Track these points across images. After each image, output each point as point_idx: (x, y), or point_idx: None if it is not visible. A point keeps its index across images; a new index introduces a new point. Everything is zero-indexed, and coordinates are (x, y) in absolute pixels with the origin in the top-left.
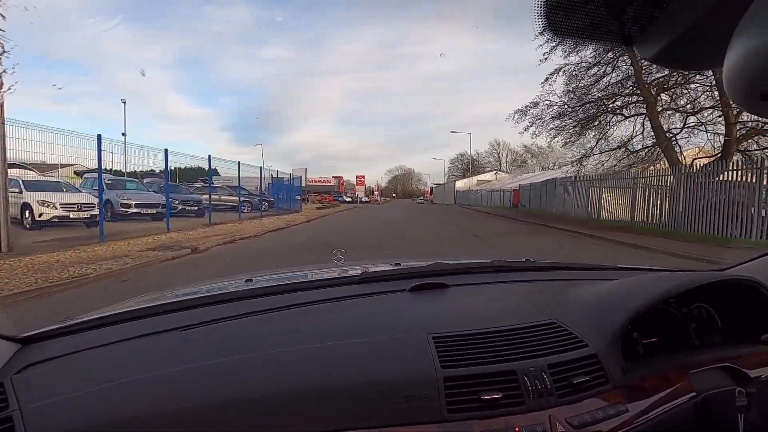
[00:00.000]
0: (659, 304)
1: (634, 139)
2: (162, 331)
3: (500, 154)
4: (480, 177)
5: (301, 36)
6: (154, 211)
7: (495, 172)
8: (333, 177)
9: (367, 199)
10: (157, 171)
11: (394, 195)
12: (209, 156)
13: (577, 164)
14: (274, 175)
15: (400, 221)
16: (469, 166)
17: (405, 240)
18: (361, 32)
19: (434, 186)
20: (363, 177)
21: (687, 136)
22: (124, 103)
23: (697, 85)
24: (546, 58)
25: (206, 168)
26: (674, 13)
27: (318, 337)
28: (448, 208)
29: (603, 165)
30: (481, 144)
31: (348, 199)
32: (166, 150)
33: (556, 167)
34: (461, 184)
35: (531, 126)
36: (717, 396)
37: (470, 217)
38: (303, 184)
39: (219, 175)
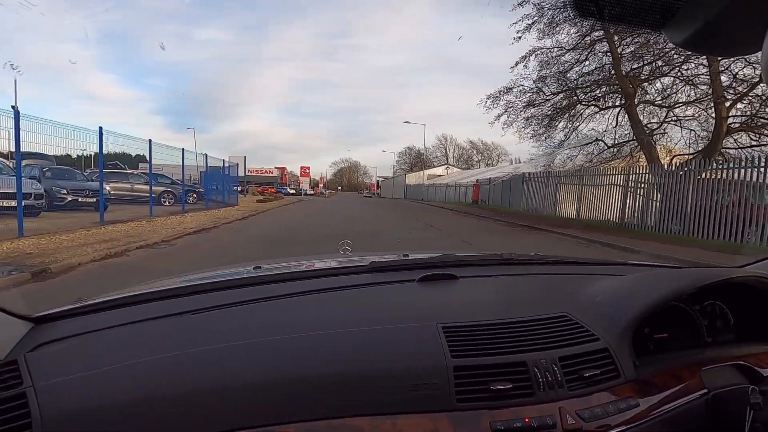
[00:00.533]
0: (671, 300)
1: (605, 135)
2: (172, 314)
3: (447, 149)
4: (431, 171)
5: (242, 19)
6: (15, 203)
7: (446, 166)
8: (276, 168)
9: (312, 192)
10: (46, 153)
11: (339, 188)
12: (100, 129)
13: (546, 159)
14: (208, 163)
15: (357, 218)
16: (417, 160)
17: (377, 241)
18: (305, 20)
19: (381, 179)
20: (308, 168)
21: (664, 132)
22: (15, 69)
23: (674, 78)
24: (520, 37)
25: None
26: None
27: (326, 324)
28: (400, 203)
29: (572, 161)
30: (428, 140)
31: (292, 191)
32: (100, 128)
33: (503, 163)
34: (412, 178)
35: (504, 114)
36: (729, 393)
37: (431, 213)
38: (242, 174)
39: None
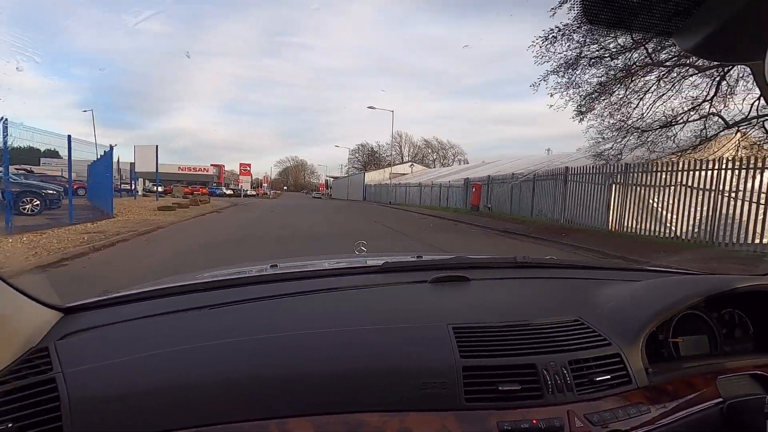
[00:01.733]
0: (686, 307)
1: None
2: (191, 308)
3: (403, 147)
4: (395, 169)
5: (178, 9)
6: None
7: (410, 164)
8: (212, 165)
9: (253, 192)
10: None
11: (285, 188)
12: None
13: (594, 147)
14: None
15: (317, 234)
16: (371, 158)
17: None
18: (246, 15)
19: (332, 179)
20: (248, 166)
21: None
22: None
23: None
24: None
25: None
26: (716, 4)
27: (340, 322)
28: (366, 207)
29: (632, 152)
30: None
31: (229, 192)
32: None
33: (459, 163)
34: (373, 177)
35: (560, 70)
36: (745, 403)
37: (421, 225)
38: (151, 169)
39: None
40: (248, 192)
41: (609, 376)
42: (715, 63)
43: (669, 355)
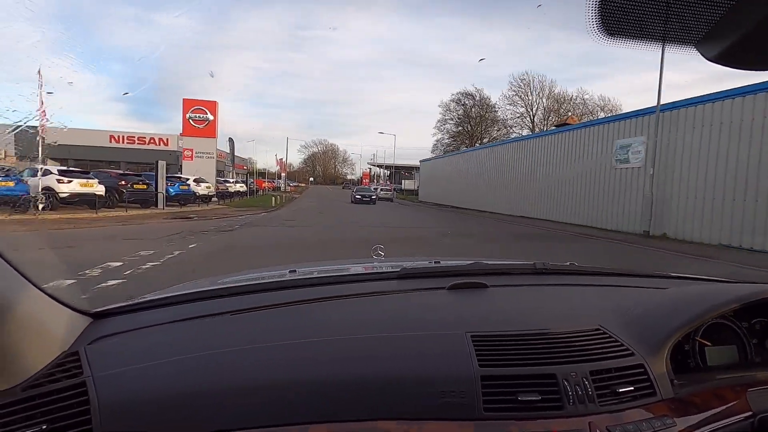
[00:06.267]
0: (714, 317)
1: None
2: (213, 314)
3: (532, 100)
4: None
5: (205, 6)
6: None
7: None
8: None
9: (241, 188)
10: None
11: (311, 180)
12: None
13: None
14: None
15: None
16: (477, 121)
17: None
18: (269, 11)
19: (425, 162)
20: (215, 103)
21: None
22: None
23: None
24: None
25: None
26: (741, 12)
27: (357, 328)
28: None
29: None
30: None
31: (205, 188)
32: None
33: None
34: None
35: None
36: None
37: None
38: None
39: None
40: (233, 186)
41: (632, 387)
42: None
43: (695, 366)
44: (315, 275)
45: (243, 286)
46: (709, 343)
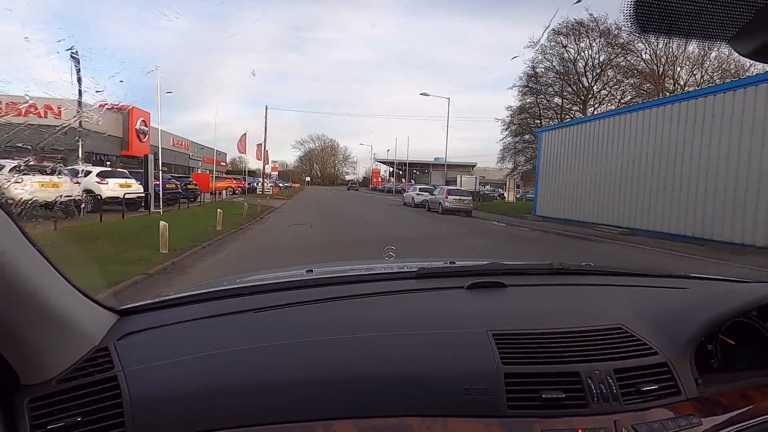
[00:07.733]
0: (738, 316)
1: None
2: (235, 312)
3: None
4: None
5: (203, 6)
6: None
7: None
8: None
9: (177, 186)
10: None
11: (307, 179)
12: None
13: None
14: None
15: None
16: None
17: None
18: (268, 12)
19: (549, 131)
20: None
21: None
22: None
23: None
24: None
25: None
26: None
27: (377, 327)
28: None
29: None
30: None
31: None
32: None
33: None
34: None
35: None
36: None
37: None
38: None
39: None
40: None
41: (656, 386)
42: None
43: (719, 366)
44: (332, 275)
45: (265, 285)
46: (732, 342)
